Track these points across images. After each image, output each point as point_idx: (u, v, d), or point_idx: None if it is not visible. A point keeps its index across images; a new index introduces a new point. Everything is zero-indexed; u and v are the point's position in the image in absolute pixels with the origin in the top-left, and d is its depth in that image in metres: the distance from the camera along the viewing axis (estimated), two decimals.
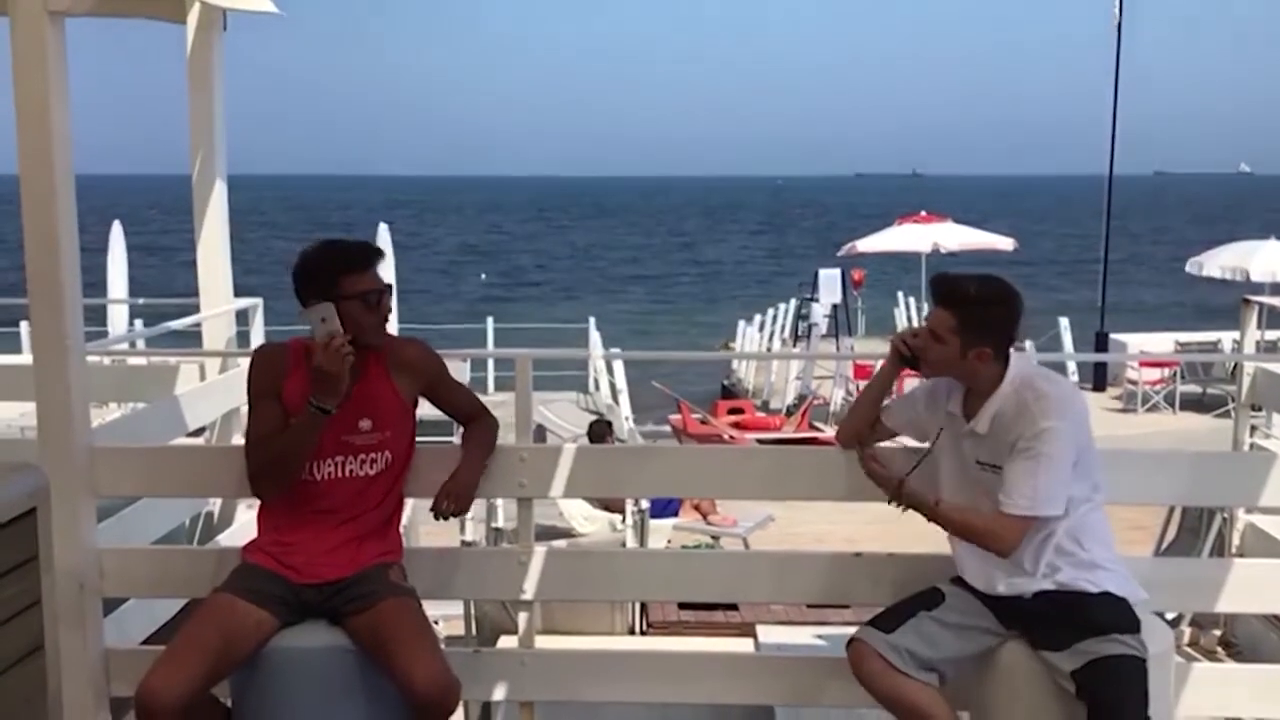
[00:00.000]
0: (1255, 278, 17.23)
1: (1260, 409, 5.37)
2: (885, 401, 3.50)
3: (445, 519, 3.37)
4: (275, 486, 3.26)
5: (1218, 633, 5.19)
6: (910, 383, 3.59)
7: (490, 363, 16.53)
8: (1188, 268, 19.67)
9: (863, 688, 3.23)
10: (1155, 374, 18.26)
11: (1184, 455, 3.80)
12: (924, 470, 3.34)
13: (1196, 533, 5.53)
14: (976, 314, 3.14)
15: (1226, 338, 17.63)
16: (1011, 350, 3.20)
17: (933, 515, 3.21)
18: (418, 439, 3.42)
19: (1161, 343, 19.86)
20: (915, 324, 21.03)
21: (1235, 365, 4.99)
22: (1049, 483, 3.04)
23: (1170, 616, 4.80)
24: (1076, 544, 3.13)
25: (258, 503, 3.45)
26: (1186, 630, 5.18)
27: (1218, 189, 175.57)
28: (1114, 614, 3.07)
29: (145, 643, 4.08)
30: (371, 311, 3.18)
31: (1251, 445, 5.11)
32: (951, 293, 3.18)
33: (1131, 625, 3.05)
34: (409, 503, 3.53)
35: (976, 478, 3.21)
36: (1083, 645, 3.01)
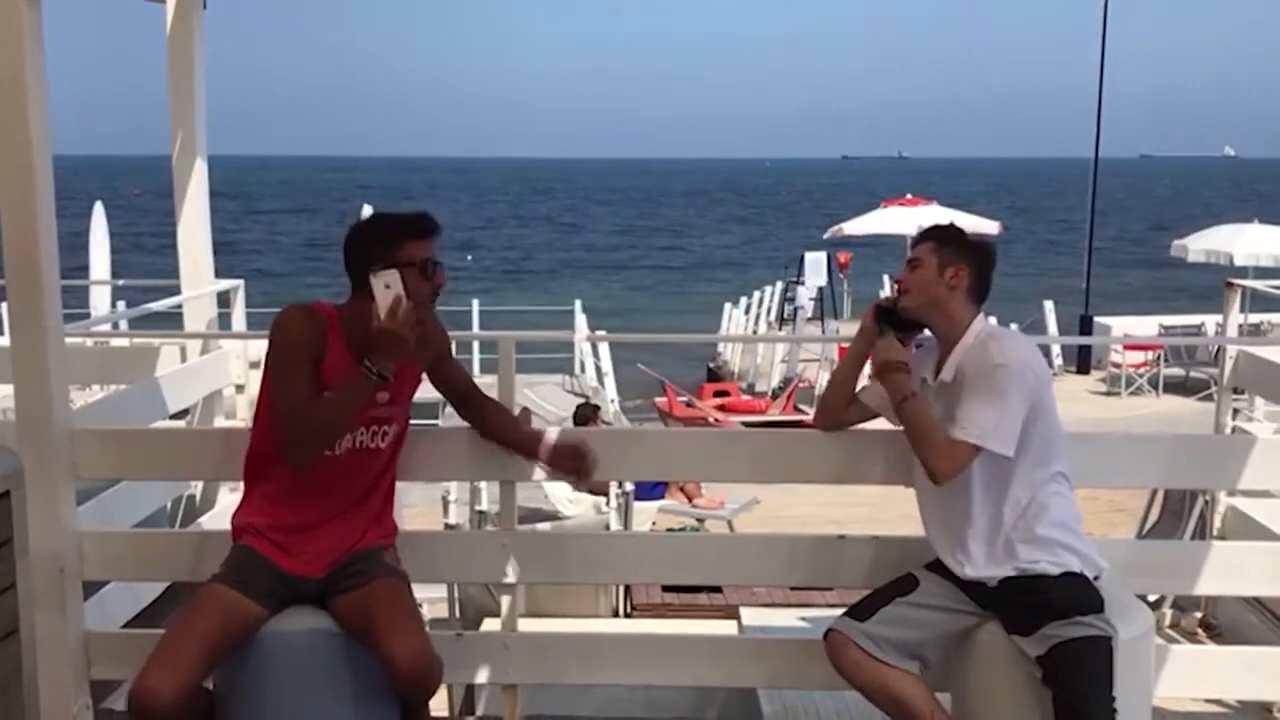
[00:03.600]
0: (1239, 261, 17.32)
1: (1243, 392, 5.39)
2: (863, 382, 3.51)
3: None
4: (313, 454, 3.13)
5: (1199, 615, 5.21)
6: None
7: (475, 345, 16.48)
8: (1172, 251, 19.75)
9: (847, 681, 3.22)
10: (1139, 357, 18.35)
11: (1166, 438, 3.81)
12: (900, 443, 3.37)
13: (1179, 515, 5.55)
14: (954, 237, 3.26)
15: (1210, 321, 17.71)
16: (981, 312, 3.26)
17: (901, 405, 3.20)
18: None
19: (1146, 326, 19.96)
20: None
21: (1218, 348, 5.00)
22: (1000, 418, 3.05)
23: (1152, 598, 4.82)
24: (1037, 526, 3.13)
25: (240, 485, 3.41)
26: (1168, 612, 5.21)
27: (1203, 172, 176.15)
28: (1075, 595, 3.07)
29: (127, 625, 4.07)
30: (427, 281, 3.13)
31: (1234, 428, 5.13)
32: (930, 228, 3.33)
33: (1094, 604, 3.06)
34: (397, 485, 3.51)
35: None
36: (1047, 630, 3.02)
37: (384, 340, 3.04)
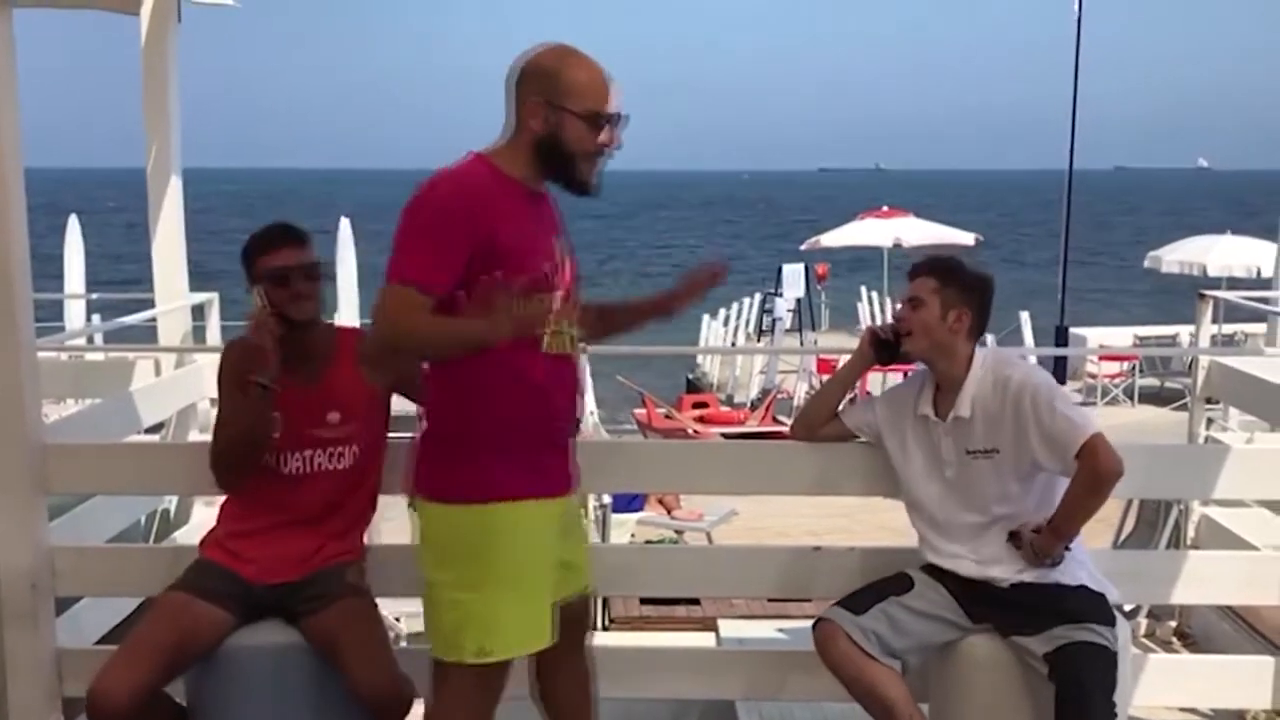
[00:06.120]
0: (1212, 272, 17.48)
1: (1216, 402, 5.43)
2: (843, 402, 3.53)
3: None
4: (231, 473, 3.24)
5: (1173, 624, 5.24)
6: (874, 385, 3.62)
7: None
8: (1146, 262, 19.94)
9: (827, 669, 3.22)
10: (1114, 368, 18.47)
11: (1140, 448, 3.82)
12: (877, 454, 3.40)
13: (1154, 525, 5.58)
14: (956, 276, 3.24)
15: (1184, 332, 17.85)
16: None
17: (1067, 536, 3.15)
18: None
19: (1120, 337, 20.08)
20: (879, 317, 21.29)
21: (1192, 359, 5.04)
22: (1078, 408, 3.16)
23: (1128, 608, 4.84)
24: None
25: (215, 500, 3.42)
26: (1143, 621, 5.23)
27: (1176, 184, 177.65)
28: (1090, 606, 3.11)
29: (100, 642, 4.03)
30: (282, 288, 3.17)
31: (1207, 438, 5.16)
32: (931, 262, 3.30)
33: (1107, 618, 3.10)
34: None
35: (965, 472, 3.21)
36: (1057, 631, 3.05)
37: (249, 352, 3.13)
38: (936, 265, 3.28)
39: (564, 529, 2.92)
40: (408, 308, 2.63)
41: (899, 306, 3.33)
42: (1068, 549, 3.16)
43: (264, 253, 3.20)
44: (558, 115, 2.72)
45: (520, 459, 2.77)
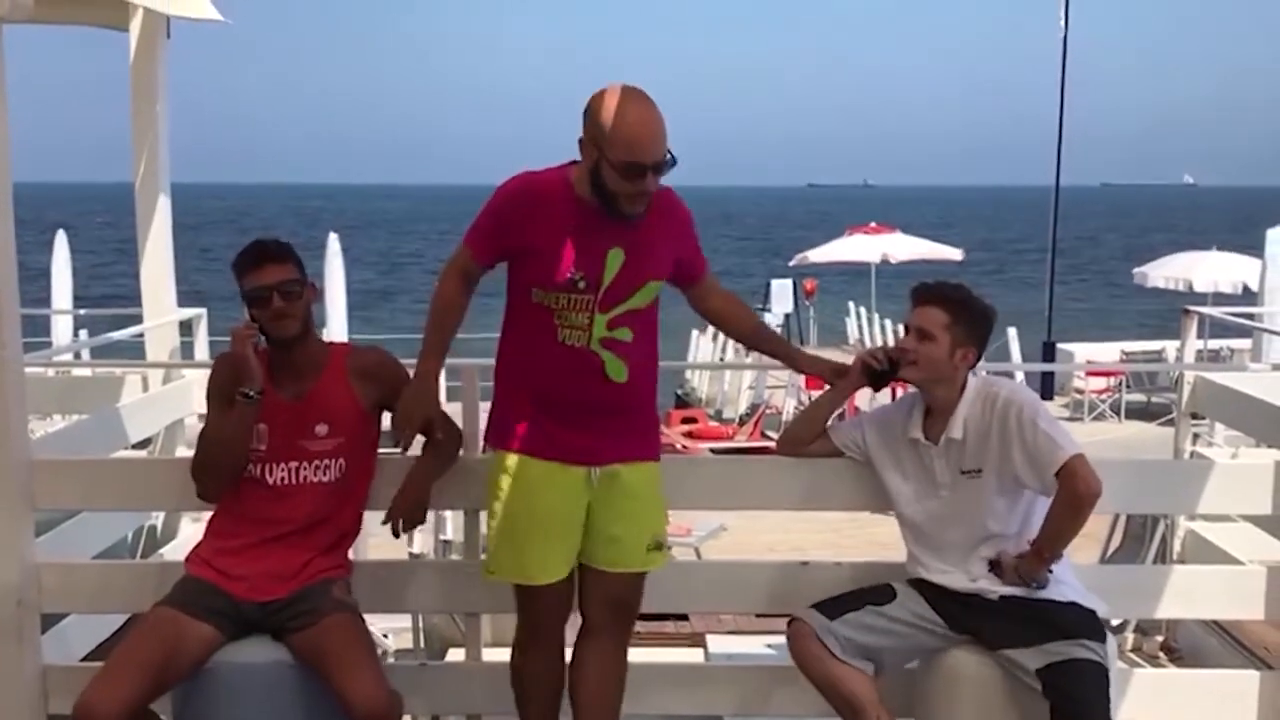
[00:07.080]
0: (1198, 288, 17.56)
1: (1203, 417, 5.45)
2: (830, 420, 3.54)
3: (397, 536, 3.36)
4: (210, 481, 3.28)
5: (1160, 638, 5.25)
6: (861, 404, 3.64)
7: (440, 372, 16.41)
8: (1133, 278, 19.99)
9: (799, 670, 3.25)
10: (1101, 383, 18.53)
11: (1127, 464, 3.85)
12: (865, 468, 3.42)
13: (1140, 540, 5.60)
14: (966, 312, 3.22)
15: (1171, 347, 17.93)
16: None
17: (1050, 558, 3.16)
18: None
19: (1107, 352, 20.14)
20: (866, 332, 21.33)
21: (1178, 374, 5.07)
22: (1061, 428, 3.15)
23: (1115, 622, 4.86)
24: None
25: (203, 516, 3.42)
26: (1130, 636, 5.24)
27: (1163, 200, 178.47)
28: (1083, 622, 3.13)
29: (86, 659, 4.01)
30: (261, 307, 3.20)
31: (1192, 453, 5.18)
32: (941, 292, 3.24)
33: (1099, 634, 3.12)
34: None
35: (959, 492, 3.24)
36: (1051, 646, 3.06)
37: (233, 364, 3.22)
38: (945, 296, 3.23)
39: (575, 495, 3.15)
40: (456, 265, 3.20)
41: (904, 334, 3.31)
42: (1050, 571, 3.17)
43: (244, 272, 3.23)
44: (599, 159, 2.95)
45: (533, 423, 3.13)
